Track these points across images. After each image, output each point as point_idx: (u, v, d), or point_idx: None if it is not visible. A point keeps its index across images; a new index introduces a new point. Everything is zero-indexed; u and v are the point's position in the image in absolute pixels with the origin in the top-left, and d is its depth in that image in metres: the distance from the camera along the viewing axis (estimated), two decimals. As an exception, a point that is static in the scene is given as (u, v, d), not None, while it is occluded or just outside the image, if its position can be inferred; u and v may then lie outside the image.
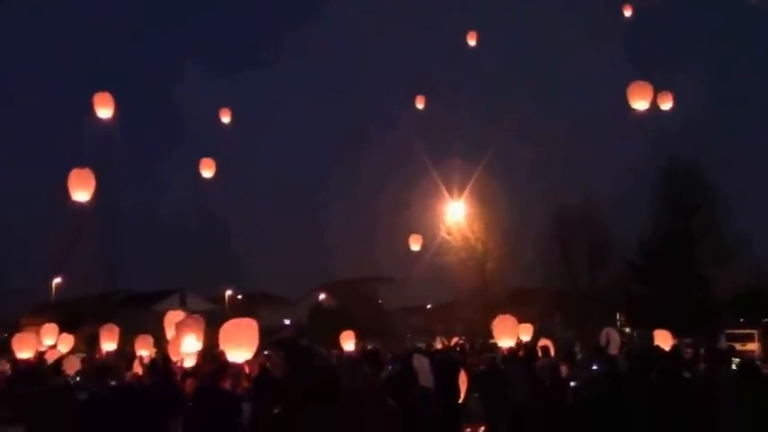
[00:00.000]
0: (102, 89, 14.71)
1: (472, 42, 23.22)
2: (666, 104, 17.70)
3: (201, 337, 10.24)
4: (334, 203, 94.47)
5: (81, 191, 12.26)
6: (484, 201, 38.60)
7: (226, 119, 22.25)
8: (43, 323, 17.67)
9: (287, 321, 43.32)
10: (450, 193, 37.21)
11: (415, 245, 26.41)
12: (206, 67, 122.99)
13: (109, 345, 14.49)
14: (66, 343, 16.54)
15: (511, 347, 12.40)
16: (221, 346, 9.40)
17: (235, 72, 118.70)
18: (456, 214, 38.12)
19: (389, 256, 58.13)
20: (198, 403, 8.01)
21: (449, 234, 38.63)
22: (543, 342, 12.77)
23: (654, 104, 16.38)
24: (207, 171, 19.24)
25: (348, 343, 15.98)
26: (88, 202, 12.39)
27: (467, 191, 37.04)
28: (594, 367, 9.43)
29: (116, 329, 14.77)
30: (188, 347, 10.22)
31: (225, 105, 22.92)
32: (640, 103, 15.34)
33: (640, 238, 39.09)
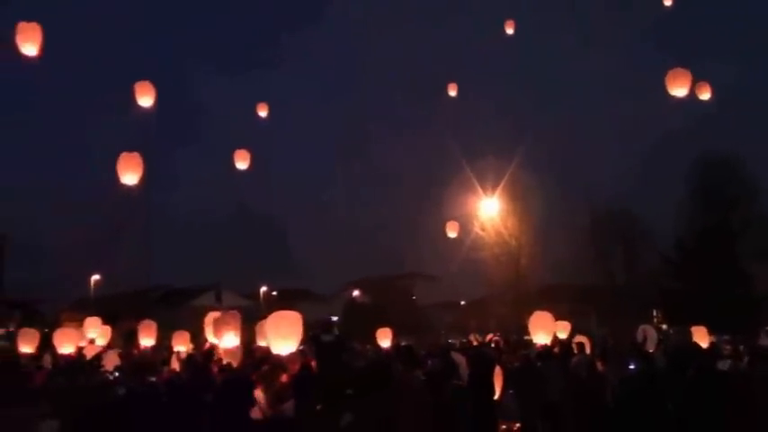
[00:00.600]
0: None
1: (510, 31, 22.90)
2: (705, 95, 17.32)
3: (239, 333, 10.33)
4: (350, 202, 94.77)
5: (130, 174, 12.40)
6: (517, 196, 38.26)
7: (263, 113, 22.24)
8: (83, 319, 17.84)
9: (334, 318, 43.37)
10: (484, 189, 37.01)
11: (452, 232, 26.31)
12: (206, 67, 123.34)
13: (147, 340, 14.68)
14: (104, 336, 16.77)
15: (545, 344, 12.29)
16: (266, 340, 9.45)
17: (235, 73, 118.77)
18: (490, 210, 37.89)
19: (424, 253, 57.89)
20: (221, 394, 8.17)
21: (483, 230, 38.42)
22: (579, 339, 12.64)
23: (691, 94, 16.05)
24: (241, 163, 19.00)
25: (384, 340, 15.99)
26: (136, 186, 12.53)
27: (500, 187, 36.79)
28: (632, 366, 9.26)
29: (154, 325, 14.92)
30: (227, 343, 10.33)
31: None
32: (679, 91, 15.05)
33: (676, 232, 38.42)
